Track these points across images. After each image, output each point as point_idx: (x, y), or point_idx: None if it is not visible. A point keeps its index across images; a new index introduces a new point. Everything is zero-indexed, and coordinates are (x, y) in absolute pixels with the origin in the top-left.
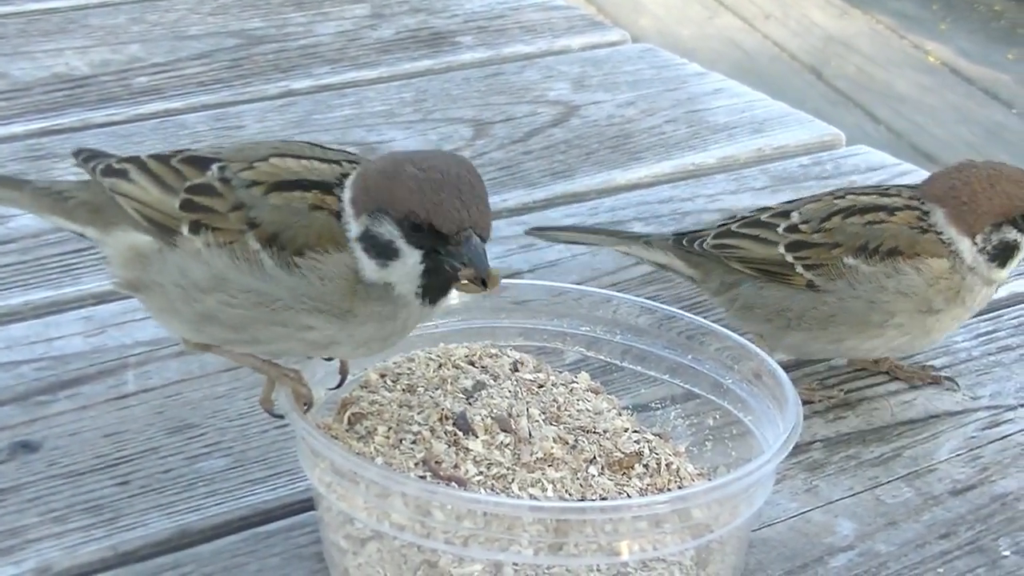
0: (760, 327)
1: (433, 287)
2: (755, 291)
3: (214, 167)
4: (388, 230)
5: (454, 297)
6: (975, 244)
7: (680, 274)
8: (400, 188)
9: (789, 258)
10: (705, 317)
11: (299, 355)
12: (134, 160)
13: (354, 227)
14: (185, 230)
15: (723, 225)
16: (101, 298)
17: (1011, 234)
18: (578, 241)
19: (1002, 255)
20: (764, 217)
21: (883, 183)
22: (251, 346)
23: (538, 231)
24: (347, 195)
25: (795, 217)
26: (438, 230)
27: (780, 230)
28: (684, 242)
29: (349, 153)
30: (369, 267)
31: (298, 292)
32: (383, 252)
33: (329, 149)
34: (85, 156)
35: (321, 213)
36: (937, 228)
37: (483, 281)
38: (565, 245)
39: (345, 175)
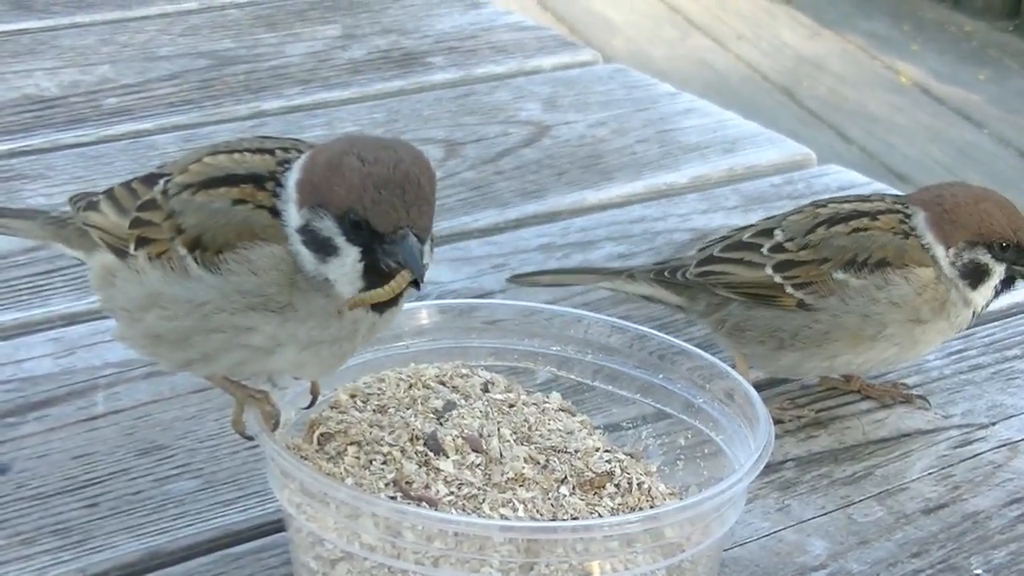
0: (753, 349)
1: (374, 287)
2: (744, 312)
3: (161, 181)
4: (327, 225)
5: (424, 318)
6: (947, 255)
7: (667, 303)
8: (341, 182)
9: (778, 279)
10: (677, 337)
11: (258, 372)
12: (108, 190)
13: (296, 217)
14: (132, 248)
15: (704, 249)
16: (71, 319)
17: (983, 257)
18: (560, 283)
19: (973, 275)
20: (746, 237)
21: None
22: (205, 364)
23: (519, 278)
24: (292, 180)
25: (779, 235)
26: (374, 228)
27: (765, 251)
28: (667, 273)
29: (294, 140)
30: (308, 260)
31: (227, 290)
32: (322, 247)
33: (270, 138)
34: (75, 199)
35: (244, 207)
36: (917, 231)
37: (415, 282)
38: (536, 264)
39: (284, 162)
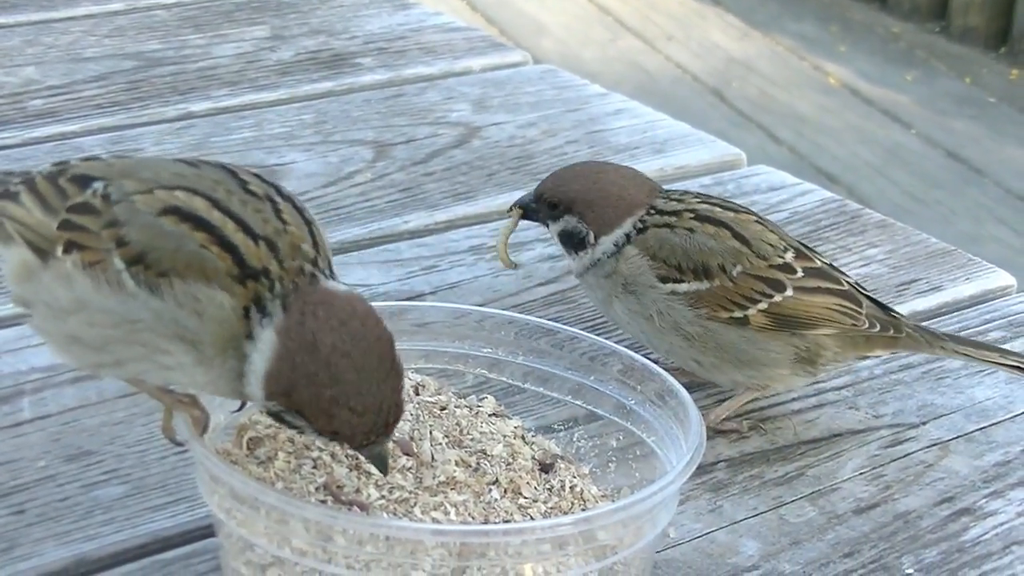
0: None
1: None
2: None
3: (97, 185)
4: (297, 421)
5: None
6: None
7: None
8: (316, 394)
9: None
10: (607, 338)
11: (165, 383)
12: (28, 180)
13: (262, 393)
14: (59, 251)
15: None
16: None
17: None
18: None
19: None
20: None
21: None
22: (115, 368)
23: None
24: (268, 338)
25: None
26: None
27: None
28: None
29: (272, 200)
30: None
31: (164, 316)
32: (287, 423)
33: (235, 176)
34: None
35: (202, 249)
36: None
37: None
38: (466, 266)
39: (273, 282)
